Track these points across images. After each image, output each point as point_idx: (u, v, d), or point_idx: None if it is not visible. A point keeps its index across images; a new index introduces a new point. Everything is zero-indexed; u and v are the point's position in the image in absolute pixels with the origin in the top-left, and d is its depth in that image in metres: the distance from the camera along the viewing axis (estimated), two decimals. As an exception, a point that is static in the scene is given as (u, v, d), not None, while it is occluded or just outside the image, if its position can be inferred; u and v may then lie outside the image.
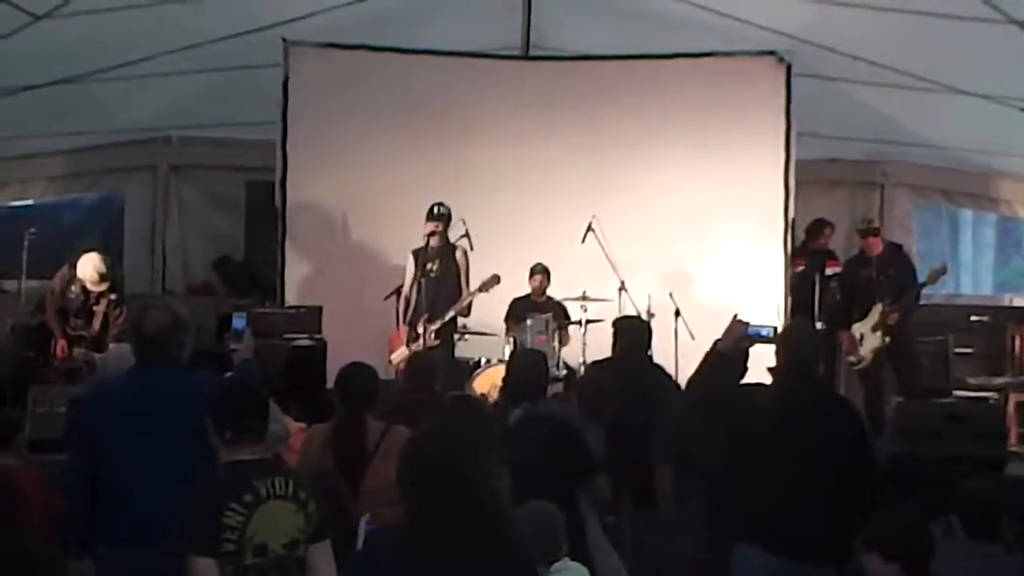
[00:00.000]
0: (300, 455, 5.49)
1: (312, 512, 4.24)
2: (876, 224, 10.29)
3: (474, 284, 9.58)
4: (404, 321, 9.66)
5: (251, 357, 6.24)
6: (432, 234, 9.50)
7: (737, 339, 6.21)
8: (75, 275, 9.42)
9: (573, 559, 4.84)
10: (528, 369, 6.42)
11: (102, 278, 9.38)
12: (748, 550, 5.28)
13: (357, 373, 5.84)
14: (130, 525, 4.68)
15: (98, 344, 9.37)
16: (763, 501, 5.23)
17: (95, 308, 9.49)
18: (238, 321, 9.17)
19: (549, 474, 5.41)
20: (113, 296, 9.47)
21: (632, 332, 7.14)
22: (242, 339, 6.48)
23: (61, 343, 9.46)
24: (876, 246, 10.09)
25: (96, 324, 9.47)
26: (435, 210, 9.55)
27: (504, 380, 6.59)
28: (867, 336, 9.95)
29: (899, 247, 10.46)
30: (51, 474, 5.60)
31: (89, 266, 9.37)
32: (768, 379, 5.71)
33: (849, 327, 10.11)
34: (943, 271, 10.04)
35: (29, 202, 12.17)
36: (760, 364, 6.00)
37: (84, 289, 9.45)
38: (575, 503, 5.34)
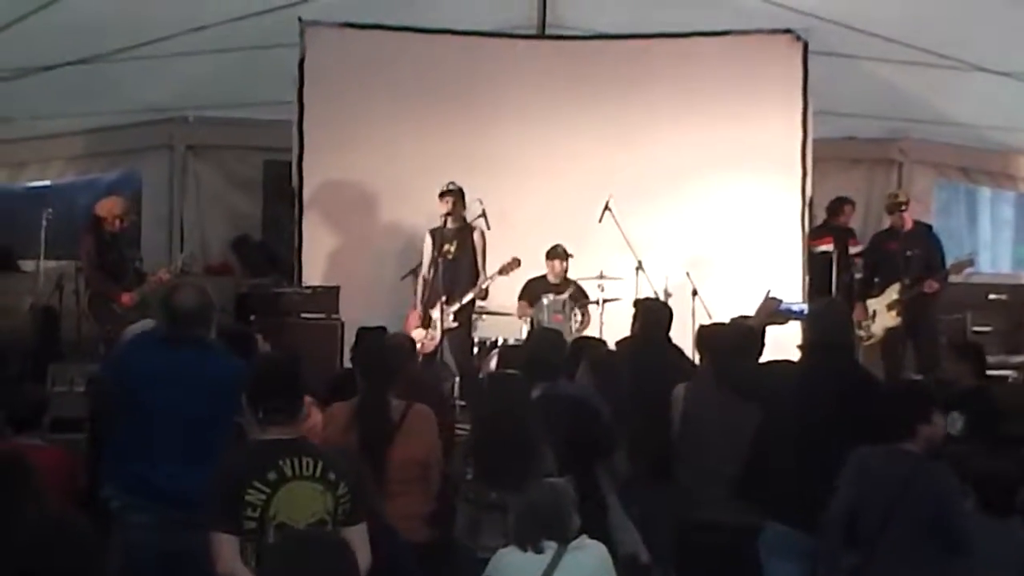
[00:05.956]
0: (323, 433, 5.46)
1: (343, 494, 4.21)
2: (901, 199, 10.12)
3: (491, 265, 9.57)
4: (421, 301, 9.68)
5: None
6: (448, 214, 9.52)
7: (771, 316, 6.18)
8: (98, 223, 9.43)
9: (594, 536, 4.82)
10: (544, 348, 6.43)
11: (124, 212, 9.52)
12: (777, 529, 5.28)
13: (379, 350, 5.84)
14: (147, 500, 4.73)
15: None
16: (790, 480, 5.22)
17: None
18: None
19: (569, 452, 5.42)
20: None
21: (652, 313, 7.14)
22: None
23: (123, 297, 9.39)
24: (906, 221, 9.99)
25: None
26: (446, 187, 9.58)
27: (522, 359, 6.57)
28: (880, 313, 9.89)
29: (929, 227, 10.34)
30: (75, 453, 5.63)
31: (107, 203, 9.51)
32: (797, 356, 5.70)
33: (864, 300, 10.04)
34: (970, 263, 9.98)
35: (47, 183, 12.17)
36: (787, 342, 5.98)
37: (112, 235, 9.48)
38: (596, 481, 5.35)
